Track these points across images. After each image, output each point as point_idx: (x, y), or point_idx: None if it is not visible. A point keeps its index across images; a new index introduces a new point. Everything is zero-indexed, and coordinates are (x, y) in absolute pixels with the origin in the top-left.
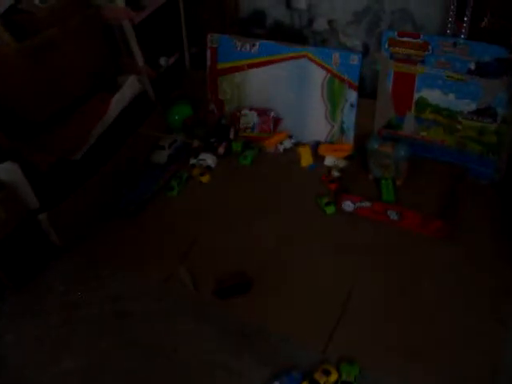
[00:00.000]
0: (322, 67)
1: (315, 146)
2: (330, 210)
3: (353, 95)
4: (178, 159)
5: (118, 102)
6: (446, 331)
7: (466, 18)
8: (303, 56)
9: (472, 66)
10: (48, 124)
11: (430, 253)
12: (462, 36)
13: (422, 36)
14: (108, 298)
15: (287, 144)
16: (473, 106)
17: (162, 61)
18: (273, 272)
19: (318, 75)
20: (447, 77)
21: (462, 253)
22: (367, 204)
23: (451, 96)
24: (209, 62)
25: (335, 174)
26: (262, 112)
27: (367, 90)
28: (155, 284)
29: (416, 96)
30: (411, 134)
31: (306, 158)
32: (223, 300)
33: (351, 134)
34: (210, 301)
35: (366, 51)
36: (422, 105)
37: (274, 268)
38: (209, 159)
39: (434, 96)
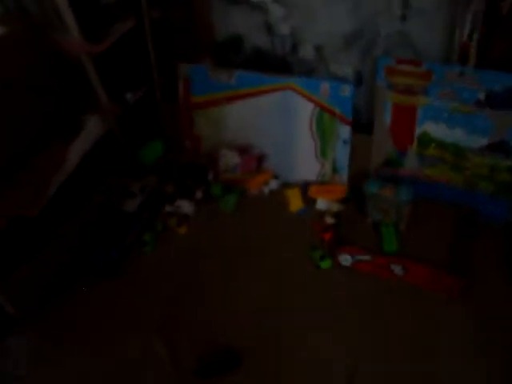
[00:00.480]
0: (310, 99)
1: (305, 187)
2: (326, 265)
3: (345, 130)
4: (151, 207)
5: (78, 147)
6: None
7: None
8: (287, 87)
9: (481, 97)
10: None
11: (441, 315)
12: (470, 64)
13: (424, 64)
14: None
15: (273, 185)
16: (483, 141)
17: (129, 96)
18: (264, 343)
19: (305, 108)
20: (453, 109)
21: (475, 313)
22: (367, 257)
23: (458, 130)
24: (181, 95)
25: (329, 220)
26: (244, 150)
27: (362, 123)
28: (126, 362)
29: (418, 130)
30: (413, 173)
31: (295, 202)
32: (208, 380)
33: (345, 174)
34: (192, 382)
35: (359, 80)
36: (425, 140)
37: (265, 338)
38: (186, 206)
39: (438, 130)
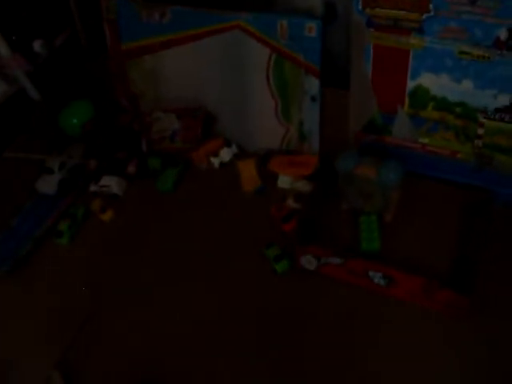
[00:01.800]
0: (264, 43)
1: (265, 159)
2: (282, 267)
3: (313, 84)
4: (74, 186)
5: None
6: None
7: None
8: (235, 27)
9: (502, 35)
10: None
11: (440, 341)
12: None
13: None
14: None
15: (225, 156)
16: (503, 100)
17: (37, 46)
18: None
19: (260, 55)
20: (460, 53)
21: (488, 337)
22: (337, 260)
23: (467, 84)
24: (109, 41)
25: (292, 204)
26: (185, 112)
27: (338, 74)
28: None
29: (411, 84)
30: (405, 142)
31: (250, 178)
32: None
33: (316, 141)
34: None
35: (331, 14)
36: (421, 97)
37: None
38: (114, 185)
39: (439, 84)
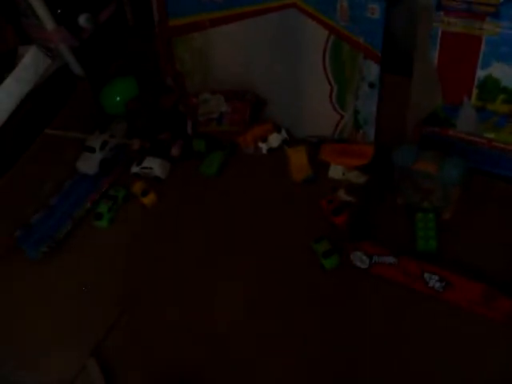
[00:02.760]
0: (322, 23)
1: (316, 147)
2: (331, 263)
3: (373, 70)
4: (115, 166)
5: (10, 87)
6: None
7: None
8: (291, 5)
9: None
10: None
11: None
12: None
13: None
14: None
15: (273, 141)
16: None
17: (83, 20)
18: (235, 373)
19: (316, 36)
20: None
21: None
22: (391, 259)
23: None
24: (156, 17)
25: (344, 196)
26: (233, 94)
27: (399, 60)
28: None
29: (481, 74)
30: (469, 136)
31: (300, 167)
32: None
33: (371, 131)
34: None
35: None
36: (491, 89)
37: (238, 365)
38: (157, 167)
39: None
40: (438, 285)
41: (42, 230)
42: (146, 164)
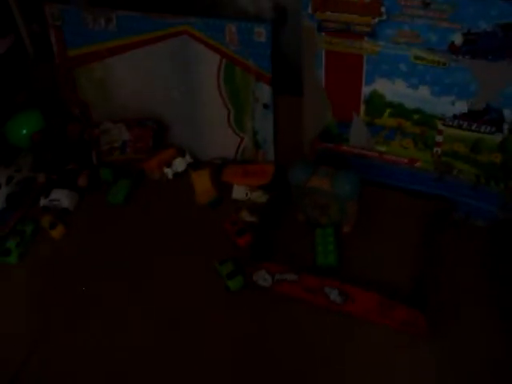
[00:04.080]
0: (213, 48)
1: (221, 168)
2: (235, 284)
3: (265, 91)
4: (23, 200)
5: None
6: None
7: None
8: (182, 33)
9: (457, 40)
10: None
11: (391, 359)
12: None
13: None
14: None
15: (179, 166)
16: (462, 107)
17: None
18: None
19: (209, 61)
20: (415, 58)
21: (450, 356)
22: (292, 276)
23: (424, 90)
24: (55, 48)
25: (247, 217)
26: (135, 122)
27: (293, 81)
28: None
29: (366, 90)
30: (362, 150)
31: (205, 190)
32: None
33: (271, 150)
34: None
35: (282, 18)
36: (377, 104)
37: None
38: (64, 198)
39: (394, 90)
40: (338, 298)
41: None
42: (53, 196)
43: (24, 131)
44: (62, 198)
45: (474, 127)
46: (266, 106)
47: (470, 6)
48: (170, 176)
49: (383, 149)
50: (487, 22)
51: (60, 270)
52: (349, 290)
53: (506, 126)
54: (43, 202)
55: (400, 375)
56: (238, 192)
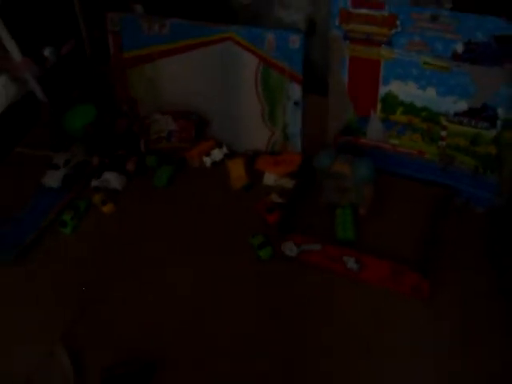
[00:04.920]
0: (253, 53)
1: (253, 158)
2: (265, 254)
3: (296, 91)
4: (77, 181)
5: None
6: None
7: None
8: (227, 39)
9: (459, 49)
10: None
11: (401, 319)
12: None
13: (386, 6)
14: None
15: (216, 155)
16: (462, 105)
17: (47, 52)
18: (185, 351)
19: (249, 64)
20: (424, 64)
21: (444, 318)
22: (316, 247)
23: (431, 91)
24: (112, 50)
25: (276, 199)
26: (180, 115)
27: (319, 82)
28: (22, 372)
29: (382, 91)
30: (377, 143)
31: (238, 177)
32: None
33: (298, 142)
34: None
35: (312, 29)
36: (391, 103)
37: (187, 345)
38: (114, 180)
39: (406, 91)
40: (354, 266)
41: (9, 240)
42: (104, 178)
43: (78, 123)
44: (112, 179)
45: (472, 123)
46: (296, 103)
47: (470, 21)
48: (209, 164)
49: (396, 142)
50: (484, 34)
51: (108, 241)
52: (364, 259)
53: (499, 123)
54: (95, 182)
55: (402, 336)
56: (269, 179)
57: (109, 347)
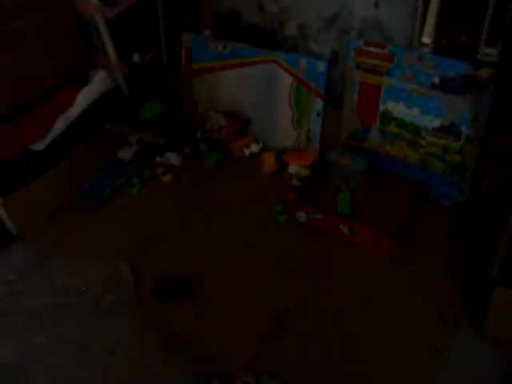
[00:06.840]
0: (290, 73)
1: (281, 153)
2: (283, 219)
3: (319, 104)
4: (145, 156)
5: (85, 96)
6: (379, 359)
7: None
8: (272, 61)
9: (436, 80)
10: (13, 115)
11: (377, 273)
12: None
13: (388, 47)
14: (50, 292)
15: (254, 148)
16: (436, 122)
17: (135, 57)
18: (216, 278)
19: (286, 81)
20: (412, 90)
21: (410, 276)
22: (320, 216)
23: (415, 110)
24: (183, 62)
25: (296, 182)
26: (230, 115)
27: (336, 98)
28: (99, 281)
29: (381, 108)
30: (376, 147)
31: (269, 164)
32: (161, 301)
33: (317, 143)
34: (148, 301)
35: (335, 59)
36: (387, 118)
37: (218, 275)
38: (174, 158)
39: (398, 109)
40: (347, 232)
41: (92, 193)
42: (166, 156)
43: (150, 114)
44: (172, 157)
45: (444, 137)
46: (318, 114)
47: (444, 62)
48: (247, 154)
49: (389, 147)
50: (454, 72)
51: (165, 202)
52: (355, 227)
53: (462, 137)
54: (159, 159)
55: (382, 287)
56: (292, 168)
57: (161, 270)
